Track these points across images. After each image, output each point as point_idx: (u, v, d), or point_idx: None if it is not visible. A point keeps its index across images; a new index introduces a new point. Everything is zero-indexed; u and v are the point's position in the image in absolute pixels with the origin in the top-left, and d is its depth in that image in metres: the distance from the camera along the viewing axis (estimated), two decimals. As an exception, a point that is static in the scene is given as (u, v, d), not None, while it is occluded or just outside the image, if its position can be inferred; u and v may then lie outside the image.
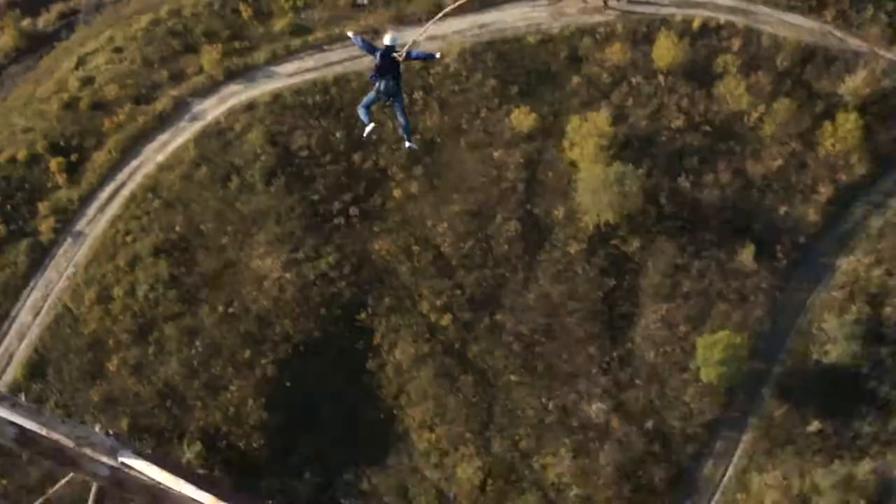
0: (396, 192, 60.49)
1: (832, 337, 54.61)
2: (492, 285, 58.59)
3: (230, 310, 58.19)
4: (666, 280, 57.61)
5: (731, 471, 54.47)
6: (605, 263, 58.41)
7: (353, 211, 60.23)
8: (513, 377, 56.72)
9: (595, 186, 57.95)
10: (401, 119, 29.29)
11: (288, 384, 56.65)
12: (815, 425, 54.07)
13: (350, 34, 30.56)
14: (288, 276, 58.63)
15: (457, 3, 35.41)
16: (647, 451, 54.57)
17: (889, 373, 54.48)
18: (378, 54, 27.09)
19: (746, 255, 57.68)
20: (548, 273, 58.49)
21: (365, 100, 28.53)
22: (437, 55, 29.40)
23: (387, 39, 27.43)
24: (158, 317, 57.49)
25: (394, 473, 56.28)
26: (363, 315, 58.22)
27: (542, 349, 57.09)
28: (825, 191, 59.59)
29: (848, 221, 59.45)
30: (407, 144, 30.21)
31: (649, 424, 55.08)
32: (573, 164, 60.52)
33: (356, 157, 61.32)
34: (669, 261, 57.86)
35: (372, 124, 28.22)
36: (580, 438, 55.23)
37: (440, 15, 28.61)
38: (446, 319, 57.68)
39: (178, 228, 59.67)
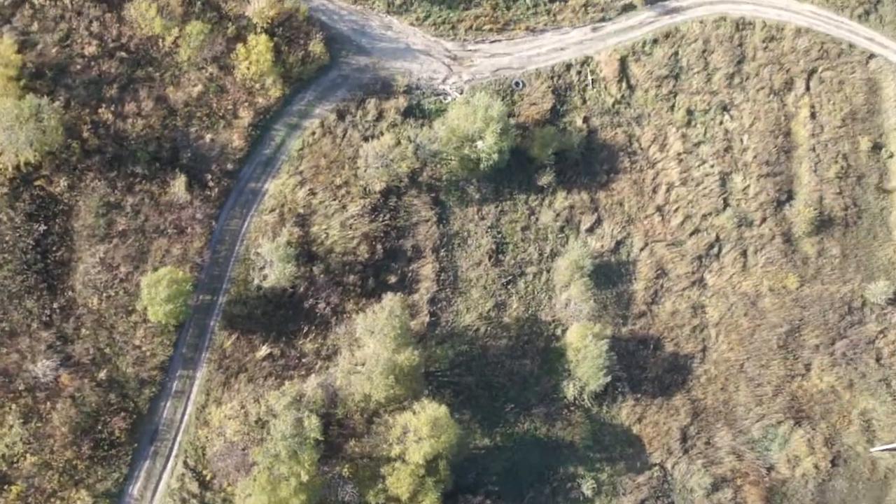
0: None
1: (269, 261, 56.01)
2: None
3: None
4: (100, 220, 55.15)
5: (190, 408, 54.90)
6: (31, 208, 54.22)
7: None
8: (-55, 346, 51.23)
9: (10, 123, 53.00)
10: None
11: None
12: (263, 350, 56.15)
13: None
14: None
15: None
16: (104, 402, 52.96)
17: (322, 289, 57.54)
18: None
19: (179, 187, 56.99)
20: (-32, 224, 52.97)
21: None
22: None
23: None
24: None
25: None
26: None
27: (-26, 309, 52.09)
28: (245, 115, 60.25)
29: (269, 145, 60.83)
30: None
31: (102, 374, 53.27)
32: (-17, 98, 54.71)
33: None
34: (101, 199, 55.30)
35: None
36: (28, 401, 51.87)
37: None
38: None
39: None
